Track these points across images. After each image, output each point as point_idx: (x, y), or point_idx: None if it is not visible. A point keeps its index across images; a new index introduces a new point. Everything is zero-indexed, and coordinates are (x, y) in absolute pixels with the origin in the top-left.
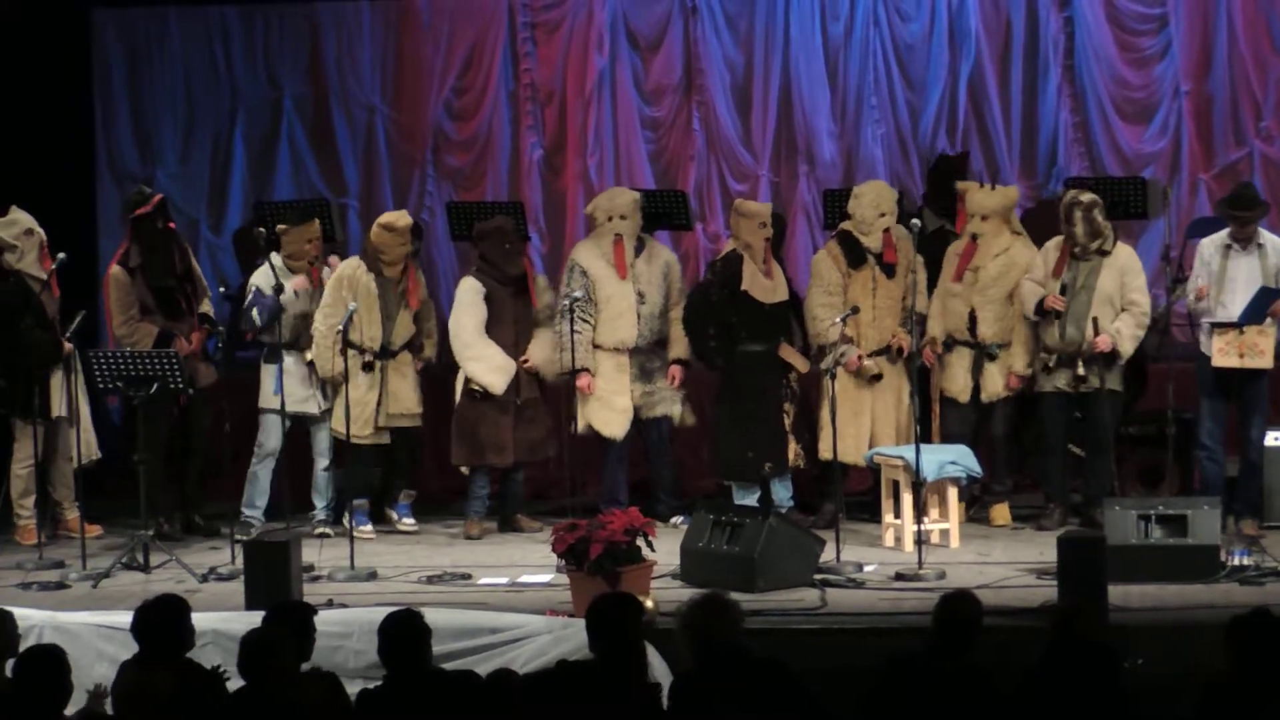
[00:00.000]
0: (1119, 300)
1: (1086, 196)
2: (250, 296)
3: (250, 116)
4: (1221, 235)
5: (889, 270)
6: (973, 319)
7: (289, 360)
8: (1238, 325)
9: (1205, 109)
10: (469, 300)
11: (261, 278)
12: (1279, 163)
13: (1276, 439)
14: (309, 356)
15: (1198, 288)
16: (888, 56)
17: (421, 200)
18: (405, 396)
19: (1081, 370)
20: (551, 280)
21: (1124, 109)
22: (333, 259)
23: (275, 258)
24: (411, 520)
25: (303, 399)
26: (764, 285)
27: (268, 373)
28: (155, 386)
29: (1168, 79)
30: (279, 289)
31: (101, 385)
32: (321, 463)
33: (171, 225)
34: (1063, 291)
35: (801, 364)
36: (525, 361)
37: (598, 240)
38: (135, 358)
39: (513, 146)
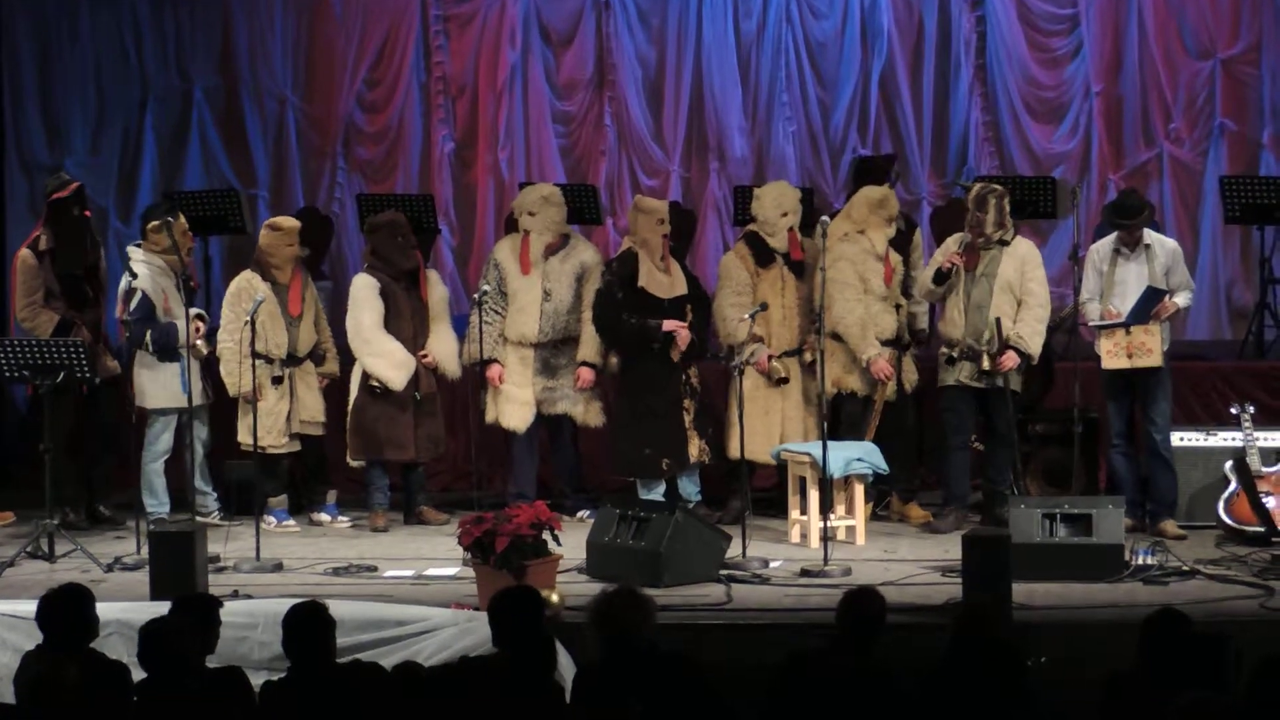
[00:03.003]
0: (1018, 289)
1: (999, 187)
2: (137, 301)
3: (161, 107)
4: (1110, 240)
5: (797, 269)
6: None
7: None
8: (1125, 325)
9: (1115, 110)
10: (365, 296)
11: (146, 282)
12: (1188, 164)
13: (1182, 439)
14: (204, 350)
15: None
16: (800, 54)
17: (332, 193)
18: (312, 404)
19: (987, 365)
20: (466, 274)
21: (1035, 109)
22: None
23: (136, 251)
24: (345, 519)
25: (197, 392)
26: (661, 281)
27: (169, 371)
28: (61, 375)
29: (1079, 79)
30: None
31: (7, 373)
32: (201, 451)
33: (87, 214)
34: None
35: (683, 335)
36: (424, 356)
37: (515, 236)
38: (42, 346)
39: (424, 139)
